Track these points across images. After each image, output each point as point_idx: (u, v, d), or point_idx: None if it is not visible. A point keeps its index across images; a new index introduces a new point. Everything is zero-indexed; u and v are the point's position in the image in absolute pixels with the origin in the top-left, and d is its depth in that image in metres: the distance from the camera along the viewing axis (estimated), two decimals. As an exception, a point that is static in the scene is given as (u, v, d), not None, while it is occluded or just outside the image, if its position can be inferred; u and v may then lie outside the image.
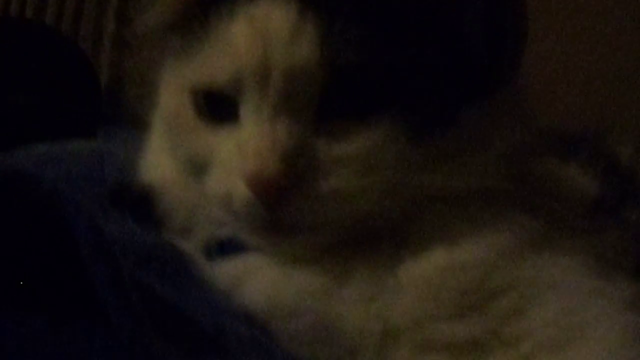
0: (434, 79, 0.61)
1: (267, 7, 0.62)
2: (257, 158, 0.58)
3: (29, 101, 1.46)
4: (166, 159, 0.73)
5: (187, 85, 0.66)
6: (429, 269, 0.60)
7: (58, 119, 1.36)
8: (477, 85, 0.64)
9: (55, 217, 0.55)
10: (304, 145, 0.59)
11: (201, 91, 0.65)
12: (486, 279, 0.59)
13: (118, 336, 0.52)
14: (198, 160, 0.65)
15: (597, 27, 1.62)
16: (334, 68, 0.59)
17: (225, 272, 0.65)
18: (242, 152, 0.60)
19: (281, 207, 0.59)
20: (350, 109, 0.60)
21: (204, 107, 0.65)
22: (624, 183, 0.78)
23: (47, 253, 0.54)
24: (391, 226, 0.61)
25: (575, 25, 1.64)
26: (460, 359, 0.59)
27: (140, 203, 0.71)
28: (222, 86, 0.62)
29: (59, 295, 0.53)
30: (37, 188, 0.56)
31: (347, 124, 0.60)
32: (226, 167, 0.62)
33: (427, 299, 0.59)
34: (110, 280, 0.52)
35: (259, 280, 0.63)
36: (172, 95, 0.70)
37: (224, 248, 0.68)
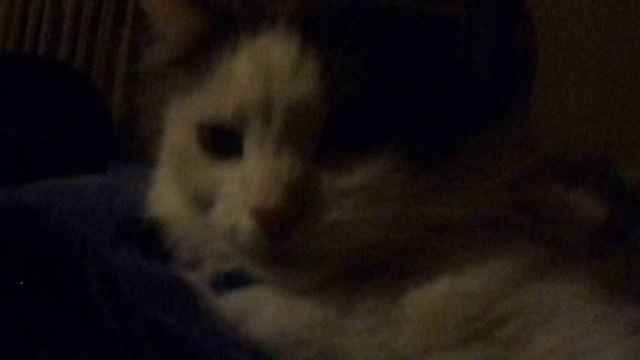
0: (437, 110, 0.62)
1: (269, 42, 0.63)
2: (261, 191, 0.58)
3: (42, 137, 1.48)
4: (173, 192, 0.74)
5: (192, 120, 0.68)
6: (434, 298, 0.59)
7: (70, 154, 1.38)
8: (482, 115, 0.65)
9: (62, 250, 0.56)
10: (307, 178, 0.60)
11: (206, 126, 0.66)
12: (491, 307, 0.59)
13: (124, 368, 0.52)
14: (203, 193, 0.66)
15: (603, 54, 1.62)
16: (336, 101, 0.60)
17: (231, 304, 0.65)
18: (246, 185, 0.61)
19: (285, 240, 0.59)
20: (352, 141, 0.61)
21: (209, 142, 0.66)
22: (631, 208, 0.78)
23: (54, 285, 0.55)
24: (395, 256, 0.61)
25: (582, 52, 1.65)
26: None
27: (148, 237, 0.72)
28: (226, 120, 0.63)
29: (66, 327, 0.54)
30: (45, 222, 0.57)
31: (350, 156, 0.61)
32: (231, 200, 0.63)
33: (431, 329, 0.58)
34: (117, 312, 0.53)
35: (264, 312, 0.63)
36: (177, 129, 0.71)
37: (230, 281, 0.69)
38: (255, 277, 0.66)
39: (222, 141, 0.65)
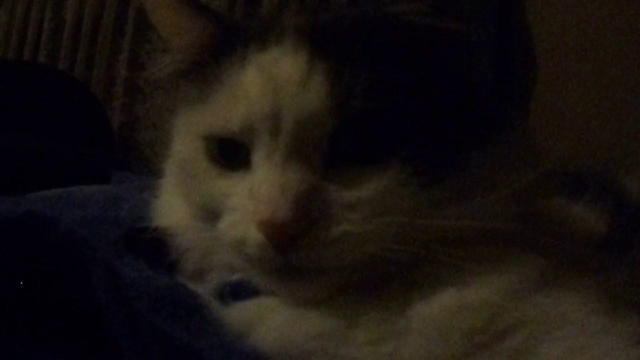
0: (443, 124, 0.62)
1: (278, 56, 0.64)
2: (270, 203, 0.59)
3: (41, 144, 1.48)
4: (179, 203, 0.74)
5: (200, 132, 0.68)
6: (439, 310, 0.60)
7: (70, 162, 1.38)
8: (487, 129, 0.65)
9: (72, 259, 0.56)
10: (315, 190, 0.60)
11: (213, 137, 0.67)
12: (495, 319, 0.59)
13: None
14: (211, 205, 0.66)
15: (606, 66, 1.63)
16: (343, 115, 0.61)
17: (237, 314, 0.66)
18: (254, 197, 0.61)
19: (293, 252, 0.60)
20: (360, 154, 0.61)
21: (217, 154, 0.67)
22: (632, 220, 0.79)
23: (63, 294, 0.55)
24: (401, 268, 0.62)
25: (584, 65, 1.66)
26: None
27: (154, 247, 0.72)
28: (234, 133, 0.64)
29: (75, 336, 0.54)
30: (55, 230, 0.57)
31: (357, 168, 0.61)
32: (239, 212, 0.63)
33: (436, 340, 0.59)
34: (125, 321, 0.53)
35: (271, 322, 0.64)
36: (185, 141, 0.71)
37: (236, 292, 0.69)
38: (262, 288, 0.66)
39: (230, 153, 0.66)
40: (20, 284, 0.55)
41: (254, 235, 0.60)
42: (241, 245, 0.62)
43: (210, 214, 0.67)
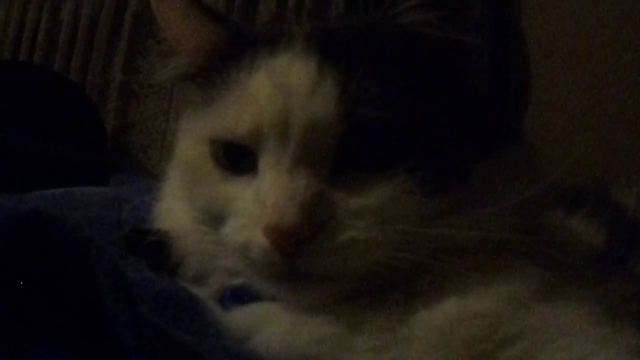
0: (447, 133, 0.63)
1: (287, 61, 0.65)
2: (276, 208, 0.59)
3: (35, 145, 1.47)
4: (182, 206, 0.74)
5: (206, 136, 0.68)
6: (441, 318, 0.60)
7: (67, 163, 1.37)
8: (490, 139, 0.66)
9: (78, 258, 0.56)
10: (322, 197, 0.61)
11: (220, 141, 0.67)
12: (497, 328, 0.59)
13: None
14: (215, 209, 0.67)
15: (601, 74, 1.64)
16: (351, 122, 0.61)
17: (239, 319, 0.66)
18: (260, 202, 0.61)
19: (298, 257, 0.60)
20: (367, 162, 0.62)
21: (223, 157, 0.67)
22: (629, 233, 0.80)
23: (68, 294, 0.55)
24: (404, 276, 0.62)
25: (582, 78, 1.67)
26: None
27: (155, 250, 0.72)
28: (242, 137, 0.64)
29: (80, 335, 0.54)
30: (61, 229, 0.57)
31: (363, 176, 0.62)
32: (244, 216, 0.63)
33: (439, 349, 0.59)
34: (131, 323, 0.53)
35: (273, 328, 0.64)
36: (190, 144, 0.71)
37: (237, 296, 0.69)
38: (265, 293, 0.66)
39: (236, 157, 0.66)
40: (25, 282, 0.55)
41: (259, 239, 0.60)
42: (246, 250, 0.62)
43: (214, 218, 0.67)
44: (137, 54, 2.39)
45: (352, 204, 0.61)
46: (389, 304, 0.62)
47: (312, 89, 0.62)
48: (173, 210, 0.76)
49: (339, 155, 0.62)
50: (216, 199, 0.66)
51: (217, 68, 0.69)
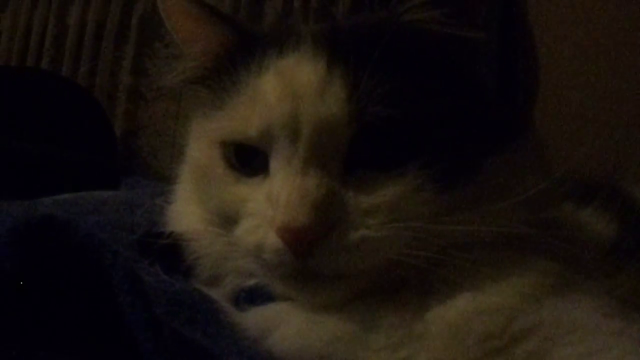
0: (457, 129, 0.63)
1: (296, 62, 0.65)
2: (288, 209, 0.59)
3: (46, 151, 1.48)
4: (194, 209, 0.74)
5: (216, 138, 0.69)
6: (455, 314, 0.60)
7: (80, 167, 1.38)
8: (499, 135, 0.66)
9: (93, 262, 0.56)
10: (333, 196, 0.61)
11: (230, 143, 0.67)
12: (511, 323, 0.60)
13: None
14: (227, 211, 0.67)
15: (610, 70, 1.64)
16: (361, 121, 0.61)
17: (254, 319, 0.66)
18: (272, 203, 0.62)
19: (311, 257, 0.60)
20: (377, 160, 0.62)
21: (234, 159, 0.67)
22: (639, 226, 0.80)
23: (84, 298, 0.56)
24: (417, 273, 0.62)
25: (592, 72, 1.67)
26: None
27: (169, 252, 0.73)
28: (252, 138, 0.65)
29: (96, 339, 0.55)
30: (75, 233, 0.57)
31: (374, 175, 0.62)
32: (257, 217, 0.64)
33: (453, 344, 0.59)
34: (148, 325, 0.54)
35: (288, 327, 0.64)
36: (201, 147, 0.72)
37: (252, 297, 0.69)
38: (279, 293, 0.66)
39: (247, 159, 0.66)
40: (39, 287, 0.55)
41: (273, 240, 0.61)
42: (259, 251, 0.63)
43: (227, 220, 0.67)
44: (145, 57, 2.40)
45: (363, 203, 0.61)
46: (402, 301, 0.62)
47: (322, 89, 0.62)
48: (185, 213, 0.76)
49: (350, 154, 0.62)
50: (228, 200, 0.67)
51: (226, 70, 0.69)
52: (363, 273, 0.62)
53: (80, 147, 1.71)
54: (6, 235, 0.55)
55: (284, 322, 0.65)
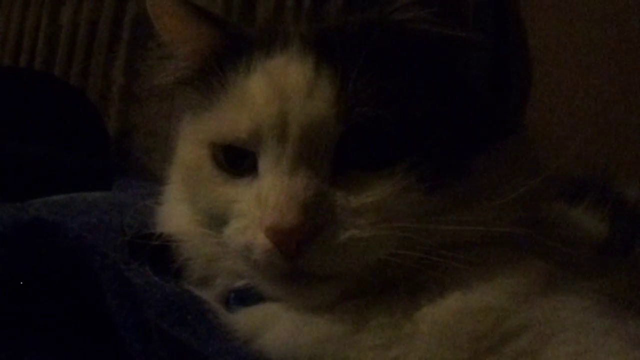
0: (446, 129, 0.63)
1: (284, 62, 0.65)
2: (277, 209, 0.59)
3: (38, 151, 1.48)
4: (184, 210, 0.74)
5: (205, 139, 0.69)
6: (445, 314, 0.60)
7: (72, 168, 1.38)
8: (489, 134, 0.66)
9: (82, 265, 0.56)
10: (322, 196, 0.61)
11: (219, 144, 0.67)
12: (501, 322, 0.59)
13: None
14: (217, 211, 0.67)
15: (603, 70, 1.64)
16: (349, 121, 0.61)
17: (244, 320, 0.66)
18: (261, 203, 0.61)
19: (300, 257, 0.60)
20: (366, 160, 0.62)
21: (223, 160, 0.67)
22: (631, 224, 0.80)
23: (73, 299, 0.55)
24: (407, 273, 0.62)
25: (583, 71, 1.67)
26: None
27: (159, 254, 0.73)
28: (241, 139, 0.64)
29: (85, 341, 0.54)
30: (63, 236, 0.57)
31: (363, 174, 0.62)
32: (246, 218, 0.63)
33: (443, 344, 0.59)
34: (137, 327, 0.53)
35: (278, 328, 0.64)
36: (190, 148, 0.72)
37: (242, 297, 0.69)
38: (268, 294, 0.66)
39: (236, 159, 0.66)
40: (28, 290, 0.55)
41: (262, 241, 0.61)
42: (248, 251, 0.62)
43: (216, 221, 0.67)
44: (138, 57, 2.40)
45: (352, 203, 0.61)
46: (392, 301, 0.62)
47: (309, 90, 0.62)
48: (175, 214, 0.76)
49: (338, 154, 0.62)
50: (217, 201, 0.67)
51: (215, 71, 0.69)
52: (352, 273, 0.62)
53: (73, 148, 1.71)
54: (-6, 238, 0.54)
55: (274, 322, 0.65)
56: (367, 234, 0.60)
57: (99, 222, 0.77)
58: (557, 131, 1.49)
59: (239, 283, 0.70)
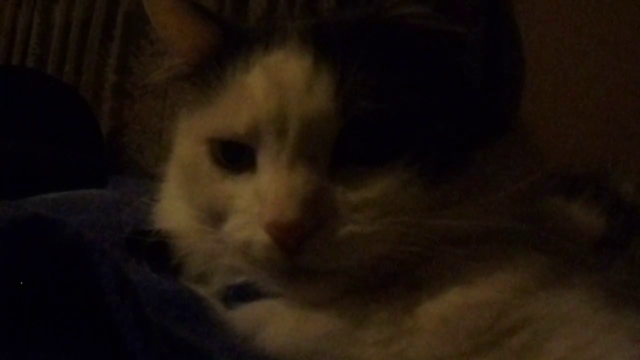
0: (445, 123, 0.63)
1: (283, 58, 0.64)
2: (277, 205, 0.59)
3: (33, 149, 1.47)
4: (181, 206, 0.74)
5: (203, 135, 0.68)
6: (446, 309, 0.60)
7: (67, 166, 1.37)
8: (487, 128, 0.66)
9: (81, 262, 0.56)
10: (322, 192, 0.61)
11: (217, 140, 0.67)
12: (501, 317, 0.60)
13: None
14: (215, 208, 0.67)
15: (603, 71, 1.64)
16: (348, 116, 0.61)
17: (244, 316, 0.66)
18: (261, 199, 0.61)
19: (300, 253, 0.60)
20: (365, 155, 0.62)
21: (221, 156, 0.67)
22: (628, 219, 0.80)
23: (73, 297, 0.55)
24: (407, 268, 0.62)
25: (580, 67, 1.67)
26: None
27: (157, 251, 0.72)
28: (239, 135, 0.64)
29: (86, 339, 0.54)
30: (62, 233, 0.57)
31: (362, 169, 0.62)
32: (245, 214, 0.63)
33: (444, 339, 0.59)
34: (137, 325, 0.53)
35: (278, 324, 0.64)
36: (187, 144, 0.71)
37: (240, 294, 0.69)
38: (268, 290, 0.66)
39: (234, 155, 0.66)
40: (27, 288, 0.55)
41: (261, 237, 0.61)
42: (248, 248, 0.62)
43: (215, 217, 0.67)
44: (130, 55, 2.40)
45: (352, 198, 0.61)
46: (392, 297, 0.62)
47: (308, 85, 0.62)
48: (173, 211, 0.76)
49: (338, 149, 0.62)
50: (216, 197, 0.66)
51: (212, 67, 0.69)
52: (352, 269, 0.62)
53: (66, 145, 1.71)
54: (-8, 236, 0.54)
55: (273, 319, 0.64)
56: (367, 229, 0.60)
57: (96, 220, 0.77)
58: (555, 127, 1.50)
59: (238, 279, 0.70)
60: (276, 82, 0.63)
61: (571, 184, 0.83)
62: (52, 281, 0.55)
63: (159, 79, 0.77)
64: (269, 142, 0.62)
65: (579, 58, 1.67)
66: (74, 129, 2.02)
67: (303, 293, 0.64)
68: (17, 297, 0.53)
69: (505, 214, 0.64)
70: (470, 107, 0.67)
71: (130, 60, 2.38)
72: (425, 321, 0.60)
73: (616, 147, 1.45)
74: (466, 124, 0.65)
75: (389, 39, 0.64)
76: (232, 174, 0.66)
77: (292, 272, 0.62)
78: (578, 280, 0.63)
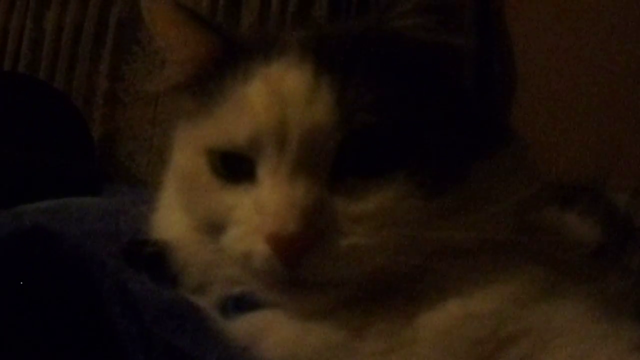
0: (444, 136, 0.63)
1: (283, 68, 0.65)
2: (277, 217, 0.59)
3: (25, 156, 1.46)
4: (179, 216, 0.74)
5: (202, 145, 0.68)
6: (445, 320, 0.61)
7: (54, 173, 1.37)
8: (484, 140, 0.67)
9: (81, 273, 0.56)
10: (322, 203, 0.61)
11: (216, 151, 0.67)
12: (499, 328, 0.60)
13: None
14: (214, 219, 0.66)
15: (598, 79, 1.65)
16: (349, 128, 0.61)
17: (243, 327, 0.66)
18: (261, 211, 0.61)
19: (300, 265, 0.60)
20: (365, 167, 0.62)
21: (220, 167, 0.67)
22: (623, 229, 0.80)
23: (73, 308, 0.55)
24: (406, 280, 0.62)
25: (578, 77, 1.68)
26: None
27: (155, 261, 0.72)
28: (239, 146, 0.64)
29: (87, 350, 0.54)
30: (62, 244, 0.57)
31: (362, 181, 0.62)
32: (244, 225, 0.63)
33: (443, 350, 0.59)
34: (139, 336, 0.53)
35: (277, 335, 0.64)
36: (186, 155, 0.71)
37: (239, 304, 0.69)
38: (267, 301, 0.66)
39: (234, 166, 0.66)
40: (28, 299, 0.55)
41: (261, 248, 0.60)
42: (247, 259, 0.62)
43: (214, 228, 0.67)
44: (122, 61, 2.39)
45: (352, 210, 0.61)
46: (391, 308, 0.62)
47: (309, 96, 0.62)
48: (171, 221, 0.75)
49: (338, 161, 0.62)
50: (215, 208, 0.66)
51: (212, 77, 0.69)
52: (352, 280, 0.62)
53: (57, 152, 1.70)
54: (-9, 247, 0.54)
55: (272, 329, 0.64)
56: (367, 241, 0.60)
57: (93, 229, 0.77)
58: (550, 137, 1.50)
59: (236, 290, 0.69)
60: (276, 93, 0.63)
61: (566, 194, 0.83)
62: (52, 293, 0.55)
63: (157, 89, 0.77)
64: (269, 154, 0.62)
65: (574, 67, 1.68)
66: (65, 135, 2.01)
67: (302, 304, 0.64)
68: (18, 308, 0.53)
69: (503, 225, 0.64)
70: (469, 119, 0.67)
71: (122, 66, 2.38)
72: (424, 332, 0.60)
73: (611, 158, 1.46)
74: (465, 136, 0.65)
75: (389, 51, 0.65)
76: (231, 185, 0.66)
77: (292, 284, 0.62)
78: (575, 291, 0.64)
